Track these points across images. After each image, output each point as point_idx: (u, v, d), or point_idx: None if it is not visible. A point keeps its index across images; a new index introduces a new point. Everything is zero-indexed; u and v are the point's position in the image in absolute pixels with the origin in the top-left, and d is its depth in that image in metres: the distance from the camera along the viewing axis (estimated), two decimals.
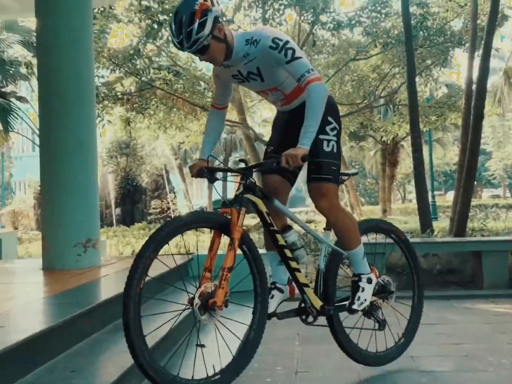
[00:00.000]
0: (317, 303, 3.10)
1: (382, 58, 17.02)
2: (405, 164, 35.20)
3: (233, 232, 2.69)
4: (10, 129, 16.62)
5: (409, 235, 9.06)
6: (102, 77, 15.95)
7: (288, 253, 3.00)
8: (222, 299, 2.59)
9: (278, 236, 2.98)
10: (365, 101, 19.58)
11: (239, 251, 2.75)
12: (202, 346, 3.40)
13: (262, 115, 30.42)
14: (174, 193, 29.25)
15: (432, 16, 15.25)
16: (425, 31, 14.87)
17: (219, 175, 3.02)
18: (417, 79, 16.60)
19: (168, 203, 26.91)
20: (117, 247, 12.91)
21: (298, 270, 3.04)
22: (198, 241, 13.70)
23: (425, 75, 17.12)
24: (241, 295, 2.85)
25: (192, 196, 37.57)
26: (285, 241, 3.02)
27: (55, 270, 4.72)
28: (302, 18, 15.25)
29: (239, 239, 2.70)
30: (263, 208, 2.93)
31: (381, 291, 3.42)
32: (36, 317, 3.08)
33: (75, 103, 5.25)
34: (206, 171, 2.96)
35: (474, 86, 8.74)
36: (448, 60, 16.65)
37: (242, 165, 2.94)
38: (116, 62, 15.05)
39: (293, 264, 3.02)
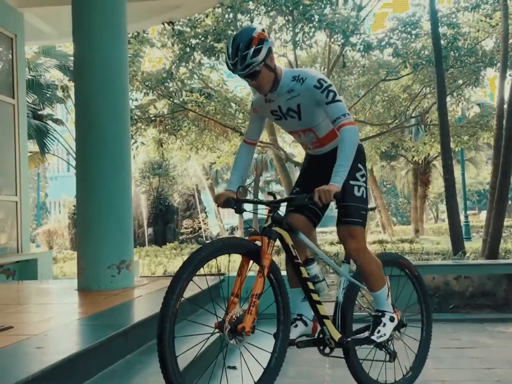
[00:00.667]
0: (336, 335, 3.16)
1: (413, 78, 17.00)
2: (438, 183, 34.85)
3: (263, 259, 2.77)
4: (47, 151, 17.01)
5: (440, 256, 9.00)
6: (136, 100, 16.28)
7: (310, 285, 3.08)
8: (250, 324, 2.66)
9: (302, 269, 3.06)
10: (396, 121, 19.53)
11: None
12: (234, 368, 3.46)
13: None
14: (206, 212, 29.48)
15: (463, 36, 15.20)
16: (455, 51, 14.81)
17: (247, 207, 3.10)
18: (448, 98, 16.55)
19: (200, 222, 27.12)
20: (150, 267, 13.06)
21: (320, 303, 3.12)
22: (229, 261, 13.76)
23: (457, 95, 17.02)
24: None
25: (223, 215, 37.71)
26: (308, 274, 3.09)
27: (90, 291, 4.83)
28: (332, 40, 15.34)
29: (268, 266, 2.78)
30: (289, 241, 3.02)
31: (397, 326, 3.49)
32: (73, 338, 3.18)
33: (110, 125, 5.39)
34: (233, 202, 3.07)
35: (505, 106, 8.69)
36: (480, 79, 16.53)
37: (271, 198, 3.05)
38: (150, 85, 15.36)
39: (315, 296, 3.09)
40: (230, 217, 44.92)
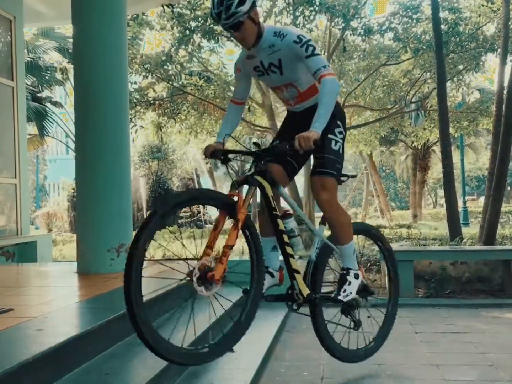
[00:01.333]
0: (305, 290, 3.22)
1: (413, 63, 16.94)
2: (437, 169, 34.86)
3: (238, 213, 2.82)
4: (46, 134, 16.97)
5: (438, 242, 9.04)
6: (135, 83, 16.23)
7: (286, 238, 3.14)
8: (220, 273, 2.70)
9: (279, 221, 3.12)
10: (396, 106, 19.49)
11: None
12: (231, 350, 3.50)
13: None
14: None
15: (464, 21, 15.12)
16: (456, 36, 14.74)
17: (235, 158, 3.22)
18: (448, 84, 16.50)
19: (199, 206, 27.13)
20: (149, 250, 13.10)
21: (292, 256, 3.18)
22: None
23: (457, 80, 16.97)
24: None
25: None
26: (285, 227, 3.15)
27: (89, 274, 4.86)
28: (332, 24, 15.27)
29: (243, 220, 2.83)
30: (269, 192, 3.09)
31: (362, 290, 3.54)
32: (73, 321, 3.22)
33: (109, 108, 5.39)
34: (220, 152, 3.13)
35: (505, 92, 8.67)
36: (480, 65, 16.47)
37: (256, 148, 3.11)
38: (149, 68, 15.29)
39: (289, 249, 3.15)
40: None
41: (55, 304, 3.24)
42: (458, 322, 5.40)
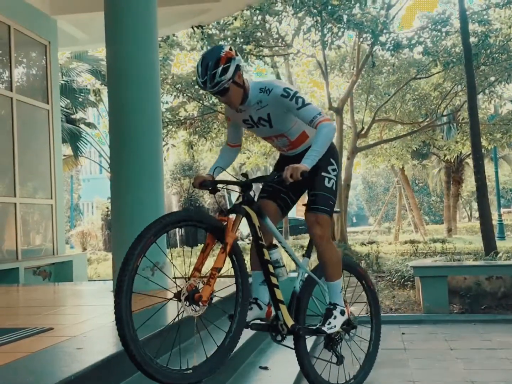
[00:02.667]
0: (289, 321, 3.24)
1: (444, 76, 16.85)
2: (471, 181, 34.35)
3: (226, 237, 2.88)
4: (80, 154, 17.33)
5: (472, 257, 8.93)
6: (166, 102, 16.49)
7: (271, 268, 3.17)
8: (207, 295, 2.75)
9: (265, 251, 3.17)
10: (427, 119, 19.37)
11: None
12: (265, 368, 3.53)
13: None
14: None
15: (494, 33, 15.01)
16: (487, 48, 14.63)
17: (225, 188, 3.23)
18: (480, 96, 16.37)
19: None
20: (181, 268, 13.21)
21: (277, 287, 3.20)
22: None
23: (489, 92, 16.81)
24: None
25: None
26: (270, 257, 3.19)
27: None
28: (361, 39, 15.31)
29: (231, 244, 2.89)
30: (256, 222, 3.14)
31: (346, 324, 3.53)
32: (110, 339, 3.28)
33: (143, 129, 5.49)
34: (208, 183, 3.22)
35: None
36: None
37: (244, 178, 3.18)
38: (180, 88, 15.53)
39: (274, 279, 3.18)
40: None
41: (92, 323, 3.32)
42: (494, 338, 5.33)
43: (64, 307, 2.83)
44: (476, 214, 44.83)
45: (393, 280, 9.68)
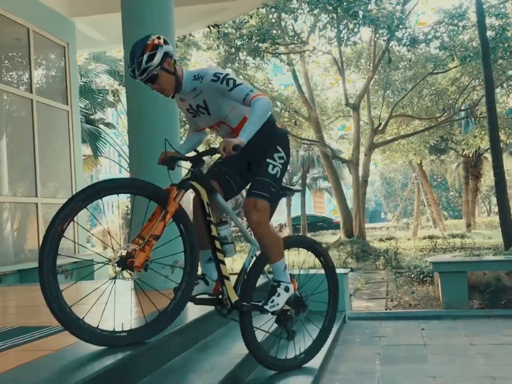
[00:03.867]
0: (234, 296, 3.25)
1: (461, 71, 16.73)
2: (490, 176, 34.01)
3: (168, 205, 2.93)
4: (99, 154, 17.48)
5: (491, 251, 8.88)
6: None
7: (217, 244, 3.19)
8: (141, 260, 2.80)
9: (212, 227, 3.18)
10: (445, 114, 19.23)
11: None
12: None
13: (339, 132, 30.38)
14: None
15: (511, 27, 14.86)
16: (504, 42, 14.50)
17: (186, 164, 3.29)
18: (498, 90, 16.22)
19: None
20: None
21: (223, 263, 3.22)
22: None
23: (507, 86, 16.65)
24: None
25: None
26: (218, 234, 3.21)
27: (145, 291, 4.99)
28: (377, 35, 15.25)
29: (172, 213, 2.93)
30: (205, 198, 3.16)
31: (296, 302, 3.51)
32: None
33: (161, 128, 5.54)
34: (168, 159, 3.31)
35: None
36: None
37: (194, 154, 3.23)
38: None
39: (220, 256, 3.20)
40: (278, 215, 45.06)
41: (113, 321, 3.36)
42: None
43: (85, 305, 2.88)
44: (495, 209, 44.43)
45: (412, 276, 9.66)
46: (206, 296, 3.34)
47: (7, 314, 4.70)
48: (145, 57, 3.00)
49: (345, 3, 13.17)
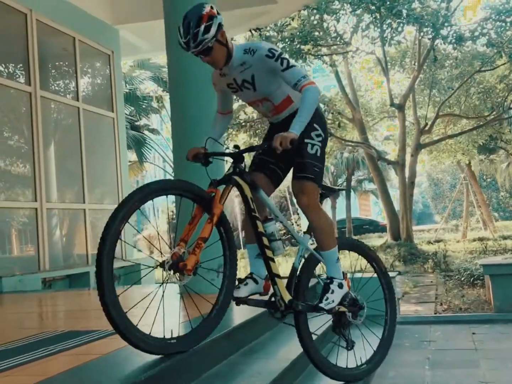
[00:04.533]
0: (286, 296, 3.12)
1: (510, 68, 16.30)
2: None
3: (213, 208, 2.85)
4: (145, 160, 17.74)
5: None
6: None
7: (265, 241, 3.08)
8: (192, 263, 2.72)
9: (259, 223, 3.07)
10: (494, 112, 18.78)
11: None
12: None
13: (384, 133, 30.03)
14: (298, 214, 29.54)
15: None
16: None
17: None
18: None
19: (292, 224, 27.25)
20: (246, 269, 13.31)
21: (273, 260, 3.10)
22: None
23: None
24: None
25: None
26: (265, 230, 3.10)
27: (191, 295, 5.01)
28: (421, 34, 15.01)
29: (218, 215, 2.85)
30: (248, 193, 3.06)
31: (352, 304, 3.35)
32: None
33: (204, 133, 5.55)
34: (201, 155, 3.18)
35: None
36: None
37: (235, 150, 3.13)
38: None
39: (269, 253, 3.08)
40: None
41: (160, 324, 3.38)
42: None
43: (133, 309, 2.89)
44: None
45: (462, 279, 9.44)
46: (258, 297, 3.24)
47: (57, 319, 4.79)
48: (202, 28, 2.87)
49: (388, 2, 13.00)
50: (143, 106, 18.02)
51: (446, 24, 13.70)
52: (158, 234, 3.19)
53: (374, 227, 34.77)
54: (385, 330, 3.75)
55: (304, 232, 3.36)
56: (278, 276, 3.11)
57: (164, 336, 2.78)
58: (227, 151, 3.27)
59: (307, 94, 2.99)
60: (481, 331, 5.61)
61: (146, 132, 18.78)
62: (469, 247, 16.37)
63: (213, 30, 2.90)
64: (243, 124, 16.95)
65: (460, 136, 20.60)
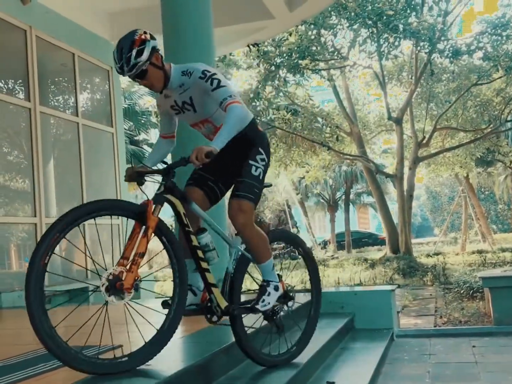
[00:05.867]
0: (223, 303, 3.18)
1: (506, 81, 16.41)
2: None
3: (147, 220, 2.84)
4: None
5: None
6: None
7: (200, 253, 3.12)
8: (130, 282, 2.71)
9: (193, 237, 3.11)
10: (491, 125, 18.87)
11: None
12: (333, 383, 3.51)
13: (382, 147, 30.12)
14: (297, 227, 29.60)
15: None
16: None
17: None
18: None
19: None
20: (245, 283, 13.27)
21: (208, 271, 3.14)
22: (323, 276, 13.84)
23: None
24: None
25: (314, 230, 37.68)
26: (199, 243, 3.14)
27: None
28: (418, 48, 15.12)
29: (153, 227, 2.85)
30: (180, 209, 3.09)
31: (283, 297, 3.47)
32: (178, 355, 3.34)
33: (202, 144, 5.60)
34: (134, 175, 3.19)
35: None
36: None
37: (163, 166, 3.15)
38: None
39: (204, 264, 3.12)
40: (321, 231, 44.80)
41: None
42: None
43: (131, 324, 2.89)
44: None
45: (462, 291, 9.43)
46: (194, 307, 3.29)
47: None
48: (133, 52, 2.93)
49: (385, 17, 13.11)
50: (142, 121, 18.07)
51: (442, 38, 13.81)
52: (90, 257, 3.11)
53: (373, 240, 34.77)
54: (311, 309, 3.84)
55: (236, 234, 3.40)
56: (214, 285, 3.17)
57: (114, 356, 2.75)
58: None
59: (230, 113, 3.02)
60: (482, 344, 5.59)
61: (145, 146, 18.83)
62: (468, 259, 16.36)
63: (145, 54, 2.95)
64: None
65: (458, 149, 20.67)
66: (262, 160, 3.31)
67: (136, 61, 2.94)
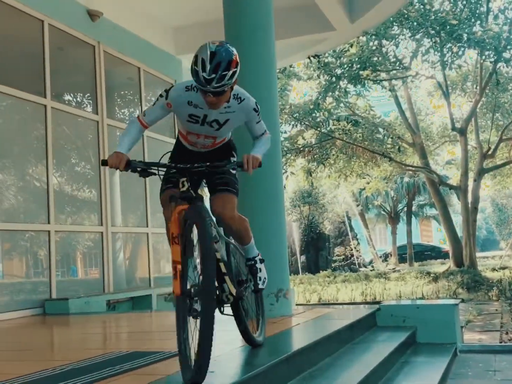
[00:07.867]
0: (233, 289, 3.24)
1: None
2: None
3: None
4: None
5: None
6: (285, 132, 16.81)
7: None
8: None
9: None
10: None
11: None
12: None
13: (445, 158, 29.47)
14: (357, 239, 29.24)
15: None
16: None
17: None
18: None
19: (352, 249, 26.96)
20: (304, 295, 13.24)
21: (220, 260, 3.15)
22: (384, 289, 13.63)
23: None
24: None
25: (375, 242, 37.14)
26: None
27: (251, 319, 5.05)
28: (483, 57, 14.77)
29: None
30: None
31: (240, 283, 3.50)
32: (240, 363, 3.38)
33: (264, 159, 5.64)
34: (138, 164, 3.10)
35: None
36: None
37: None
38: (297, 117, 15.78)
39: (217, 254, 3.12)
40: (382, 244, 44.10)
41: (221, 348, 3.44)
42: None
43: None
44: None
45: None
46: None
47: (121, 340, 4.92)
48: (230, 72, 2.88)
49: (448, 27, 12.87)
50: None
51: (508, 47, 13.44)
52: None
53: (436, 253, 33.98)
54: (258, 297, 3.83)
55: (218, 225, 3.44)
56: (226, 274, 3.23)
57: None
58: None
59: (267, 140, 3.38)
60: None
61: None
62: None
63: (235, 77, 2.95)
64: (301, 149, 17.03)
65: None
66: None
67: (227, 82, 2.90)
